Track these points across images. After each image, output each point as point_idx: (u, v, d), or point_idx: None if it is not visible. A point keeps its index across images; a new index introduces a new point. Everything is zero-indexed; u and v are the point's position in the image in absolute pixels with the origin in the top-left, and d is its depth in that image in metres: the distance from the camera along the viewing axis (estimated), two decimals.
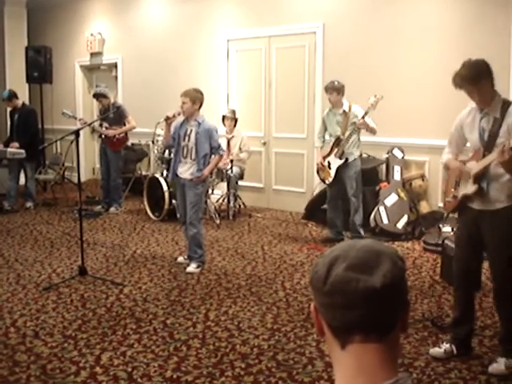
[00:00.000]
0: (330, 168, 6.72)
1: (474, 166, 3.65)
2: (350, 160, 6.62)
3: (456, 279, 3.96)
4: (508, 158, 3.29)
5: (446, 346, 3.86)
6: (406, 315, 1.20)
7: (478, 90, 3.54)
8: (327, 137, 6.85)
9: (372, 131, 6.57)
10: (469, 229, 3.79)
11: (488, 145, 3.60)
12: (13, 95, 8.91)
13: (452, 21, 7.07)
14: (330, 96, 6.63)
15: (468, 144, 3.91)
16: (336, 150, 6.64)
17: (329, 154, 6.72)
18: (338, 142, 6.63)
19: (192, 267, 5.79)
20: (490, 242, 3.68)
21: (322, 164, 6.78)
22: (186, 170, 5.80)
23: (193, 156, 5.75)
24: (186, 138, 5.76)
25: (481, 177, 3.62)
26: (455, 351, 3.85)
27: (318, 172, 6.95)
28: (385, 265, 1.13)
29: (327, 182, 6.82)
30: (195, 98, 5.68)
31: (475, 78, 3.53)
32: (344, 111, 6.62)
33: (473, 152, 3.76)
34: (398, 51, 7.50)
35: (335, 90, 6.58)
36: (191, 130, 5.74)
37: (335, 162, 6.66)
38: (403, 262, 1.18)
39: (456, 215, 4.11)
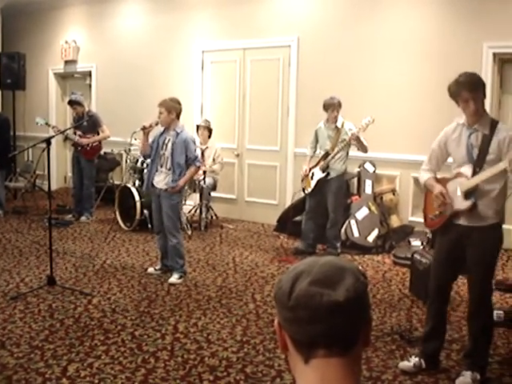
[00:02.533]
0: (312, 179, 6.78)
1: (466, 182, 3.64)
2: (331, 175, 6.67)
3: (430, 294, 3.97)
4: None
5: (415, 359, 3.89)
6: (369, 330, 1.22)
7: (474, 99, 3.56)
8: (318, 150, 6.90)
9: (363, 149, 6.63)
10: (451, 246, 3.79)
11: (478, 161, 3.61)
12: None
13: (426, 36, 7.18)
14: (332, 113, 6.64)
15: (450, 160, 3.90)
16: (322, 163, 6.69)
17: (315, 166, 6.78)
18: (325, 155, 6.69)
19: (174, 278, 5.77)
20: (473, 258, 3.68)
21: (306, 173, 6.84)
22: (161, 180, 5.80)
23: (168, 165, 5.76)
24: (164, 147, 5.78)
25: (470, 193, 3.63)
26: (424, 365, 3.87)
27: (302, 180, 7.02)
28: (348, 280, 1.15)
29: (306, 191, 6.89)
30: (171, 108, 5.70)
31: (474, 84, 3.58)
32: (336, 127, 6.66)
33: (457, 169, 3.74)
34: (371, 66, 7.58)
35: (337, 106, 6.61)
36: (169, 140, 5.76)
37: (317, 174, 6.73)
38: (365, 277, 1.20)
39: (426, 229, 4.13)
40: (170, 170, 5.75)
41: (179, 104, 5.79)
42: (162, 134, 5.85)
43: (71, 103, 8.51)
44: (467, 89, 3.56)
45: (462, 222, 3.71)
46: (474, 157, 3.64)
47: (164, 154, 5.79)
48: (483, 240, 3.64)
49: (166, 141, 5.78)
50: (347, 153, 6.73)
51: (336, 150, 6.59)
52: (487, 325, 3.78)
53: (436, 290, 3.91)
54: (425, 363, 3.87)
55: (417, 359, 3.88)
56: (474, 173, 3.61)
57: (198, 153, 6.56)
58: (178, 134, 5.73)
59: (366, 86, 7.62)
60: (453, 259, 3.78)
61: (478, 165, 3.61)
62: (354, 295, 1.14)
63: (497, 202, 3.64)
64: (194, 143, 5.91)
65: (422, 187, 4.14)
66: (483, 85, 3.63)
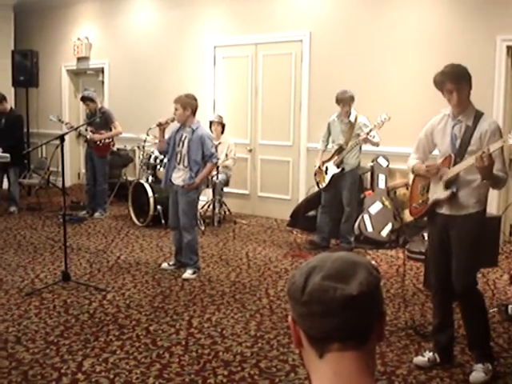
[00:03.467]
0: (326, 173, 6.77)
1: (447, 172, 3.69)
2: (346, 170, 6.66)
3: (433, 286, 4.00)
4: (487, 164, 3.33)
5: (429, 354, 3.88)
6: (383, 324, 1.22)
7: (458, 91, 3.59)
8: (330, 144, 6.89)
9: (374, 145, 6.62)
10: (439, 235, 3.82)
11: (459, 152, 3.66)
12: (2, 98, 8.89)
13: (438, 31, 7.14)
14: (344, 107, 6.60)
15: (436, 151, 3.95)
16: (336, 157, 6.68)
17: (328, 160, 6.78)
18: (339, 150, 6.67)
19: (188, 273, 5.79)
20: (457, 247, 3.70)
21: (319, 168, 6.83)
22: (179, 177, 5.81)
23: (185, 163, 5.76)
24: (181, 144, 5.78)
25: (451, 182, 3.67)
26: (438, 359, 3.86)
27: (315, 174, 7.00)
28: (360, 274, 1.16)
29: (321, 186, 6.89)
30: (186, 104, 5.69)
31: (458, 75, 3.62)
32: (350, 121, 6.64)
33: (442, 158, 3.79)
34: (383, 60, 7.55)
35: (349, 100, 6.56)
36: (185, 137, 5.75)
37: (332, 169, 6.72)
38: (378, 271, 1.21)
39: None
40: (187, 167, 5.76)
41: (195, 100, 5.77)
42: (178, 130, 5.85)
43: (84, 99, 8.53)
44: (451, 80, 3.60)
45: (444, 211, 3.75)
46: (456, 147, 3.69)
47: (181, 151, 5.79)
48: (464, 230, 3.66)
49: (183, 138, 5.78)
50: (360, 147, 6.71)
51: (350, 144, 6.58)
52: (479, 314, 3.76)
53: (437, 282, 3.91)
54: (439, 357, 3.86)
55: (431, 354, 3.87)
56: (455, 163, 3.65)
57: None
58: (193, 130, 5.72)
59: (378, 80, 7.59)
60: (446, 248, 3.78)
61: (459, 155, 3.65)
62: (367, 289, 1.14)
63: (478, 191, 3.67)
64: (211, 139, 5.89)
65: (410, 173, 4.18)
66: (468, 76, 3.65)
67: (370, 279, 1.16)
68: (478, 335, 3.77)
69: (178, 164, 5.82)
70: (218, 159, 6.08)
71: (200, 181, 5.81)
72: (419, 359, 3.89)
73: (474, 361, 3.77)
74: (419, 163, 3.96)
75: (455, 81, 3.59)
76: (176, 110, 5.72)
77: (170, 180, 5.87)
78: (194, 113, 5.77)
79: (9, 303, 4.97)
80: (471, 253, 3.71)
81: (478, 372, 3.65)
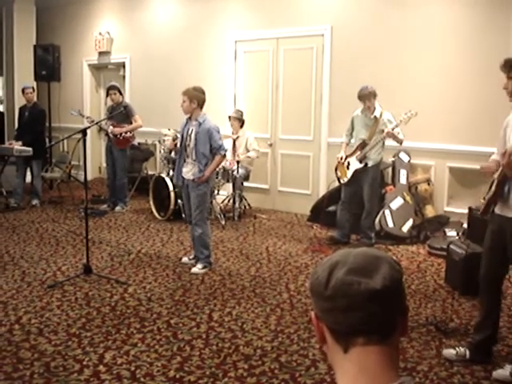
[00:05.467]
0: (348, 168, 6.73)
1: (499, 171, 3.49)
2: (369, 165, 6.62)
3: (481, 284, 3.83)
4: (507, 162, 3.20)
5: (460, 349, 3.83)
6: (406, 319, 1.22)
7: (507, 79, 3.42)
8: (353, 139, 6.83)
9: (398, 142, 6.54)
10: (492, 235, 3.67)
11: None
12: (33, 88, 9.26)
13: (459, 25, 7.06)
14: (365, 103, 6.52)
15: None
16: (359, 152, 6.64)
17: (351, 155, 6.73)
18: (362, 145, 6.61)
19: (197, 268, 5.80)
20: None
21: (342, 161, 6.79)
22: (188, 171, 5.82)
23: (193, 156, 5.75)
24: (188, 138, 5.78)
25: (504, 181, 3.46)
26: (468, 356, 3.80)
27: (336, 168, 6.95)
28: (383, 268, 1.15)
29: (342, 181, 6.84)
30: (193, 97, 5.68)
31: (507, 63, 3.44)
32: (375, 117, 6.57)
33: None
34: (405, 54, 7.49)
35: (371, 96, 6.47)
36: (192, 130, 5.75)
37: (354, 164, 6.67)
38: (400, 266, 1.21)
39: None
40: (195, 160, 5.75)
41: (203, 93, 5.76)
42: (185, 124, 5.86)
43: (111, 88, 8.55)
44: (503, 68, 3.46)
45: (497, 210, 3.59)
46: None
47: (189, 145, 5.78)
48: None
49: (190, 132, 5.77)
50: (383, 143, 6.66)
51: (374, 139, 6.52)
52: None
53: (484, 280, 3.78)
54: (469, 354, 3.80)
55: (462, 349, 3.82)
56: None
57: (227, 143, 6.50)
58: (200, 124, 5.70)
59: (400, 74, 7.53)
60: (498, 249, 3.64)
61: None
62: (391, 283, 1.14)
63: None
64: (218, 132, 5.83)
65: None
66: None
67: (393, 273, 1.16)
68: None
69: (188, 158, 5.81)
70: (225, 151, 6.03)
71: (209, 174, 5.77)
72: (448, 351, 3.86)
73: (508, 360, 3.69)
74: (492, 159, 3.76)
75: (504, 69, 3.44)
76: (183, 101, 5.73)
77: (181, 175, 5.88)
78: (200, 106, 5.74)
79: (31, 295, 5.02)
80: None
81: (505, 370, 3.59)
